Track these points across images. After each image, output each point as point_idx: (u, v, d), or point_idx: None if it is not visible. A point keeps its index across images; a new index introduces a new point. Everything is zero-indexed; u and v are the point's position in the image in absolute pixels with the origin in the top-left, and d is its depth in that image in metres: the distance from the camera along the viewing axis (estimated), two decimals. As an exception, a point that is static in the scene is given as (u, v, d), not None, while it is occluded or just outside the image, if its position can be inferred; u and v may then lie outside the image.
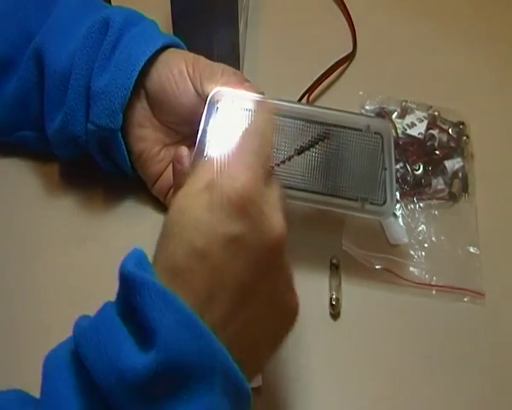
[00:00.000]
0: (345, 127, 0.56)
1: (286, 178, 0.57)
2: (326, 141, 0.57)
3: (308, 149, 0.57)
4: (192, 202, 0.42)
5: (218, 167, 0.42)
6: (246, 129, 0.46)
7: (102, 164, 0.63)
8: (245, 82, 0.59)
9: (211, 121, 0.56)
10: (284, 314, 0.44)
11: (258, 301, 0.42)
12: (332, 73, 0.73)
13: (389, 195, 0.56)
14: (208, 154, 0.54)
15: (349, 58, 0.76)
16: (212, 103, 0.56)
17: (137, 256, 0.41)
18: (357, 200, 0.57)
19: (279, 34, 0.79)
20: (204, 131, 0.56)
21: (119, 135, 0.59)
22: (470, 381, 0.54)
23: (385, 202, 0.56)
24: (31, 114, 0.64)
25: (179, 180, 0.58)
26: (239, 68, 0.72)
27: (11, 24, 0.64)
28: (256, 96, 0.57)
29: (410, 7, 0.83)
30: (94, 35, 0.59)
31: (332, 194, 0.57)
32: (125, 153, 0.61)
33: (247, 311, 0.41)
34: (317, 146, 0.56)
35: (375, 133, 0.56)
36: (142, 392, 0.38)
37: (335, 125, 0.56)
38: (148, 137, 0.61)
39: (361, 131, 0.56)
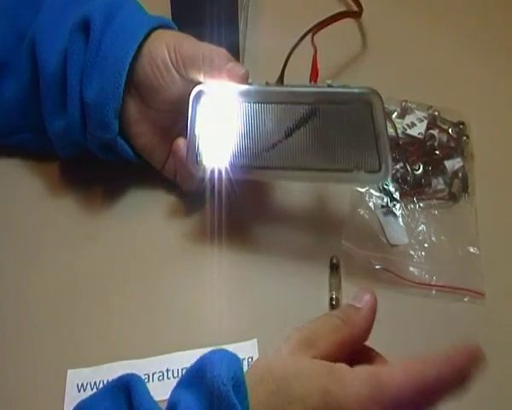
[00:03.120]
0: (332, 102, 0.55)
1: (279, 160, 0.57)
2: (315, 118, 0.56)
3: (297, 129, 0.56)
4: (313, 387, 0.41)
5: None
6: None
7: (108, 159, 0.63)
8: (228, 62, 0.58)
9: (197, 118, 0.56)
10: None
11: None
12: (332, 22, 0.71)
13: (384, 161, 0.55)
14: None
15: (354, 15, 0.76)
16: (195, 100, 0.56)
17: (234, 373, 0.41)
18: (351, 171, 0.56)
19: (279, 34, 0.79)
20: (192, 127, 0.56)
21: (118, 139, 0.60)
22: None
23: (380, 169, 0.56)
24: (29, 117, 0.64)
25: (179, 167, 0.61)
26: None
27: (2, 23, 0.64)
28: (238, 87, 0.56)
29: (411, 7, 0.83)
30: (78, 38, 0.58)
31: (326, 168, 0.57)
32: (129, 151, 0.61)
33: None
34: (306, 125, 0.56)
35: (364, 103, 0.54)
36: None
37: (322, 102, 0.55)
38: (146, 130, 0.61)
39: (349, 104, 0.55)
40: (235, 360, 0.43)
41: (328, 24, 0.70)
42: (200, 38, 0.63)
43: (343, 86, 0.55)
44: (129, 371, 0.48)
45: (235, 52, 0.71)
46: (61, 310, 0.57)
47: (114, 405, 0.42)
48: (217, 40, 0.68)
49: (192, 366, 0.44)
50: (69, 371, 0.53)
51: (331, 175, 0.57)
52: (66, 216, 0.63)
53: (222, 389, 0.40)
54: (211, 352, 0.44)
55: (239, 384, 0.41)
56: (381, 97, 0.54)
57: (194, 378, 0.43)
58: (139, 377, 0.44)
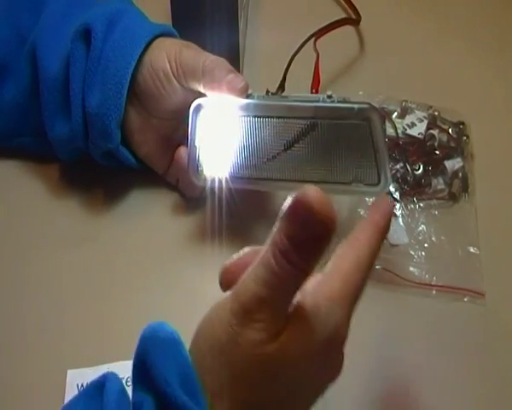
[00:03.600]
0: (331, 117, 0.55)
1: (278, 172, 0.57)
2: (314, 133, 0.56)
3: (296, 143, 0.56)
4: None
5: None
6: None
7: (109, 165, 0.63)
8: (228, 74, 0.57)
9: (197, 130, 0.57)
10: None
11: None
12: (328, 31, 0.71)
13: (383, 175, 0.56)
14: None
15: (354, 22, 0.77)
16: (195, 113, 0.56)
17: (181, 371, 0.38)
18: (350, 183, 0.57)
19: (279, 33, 0.79)
20: (192, 139, 0.57)
21: (120, 148, 0.60)
22: (470, 381, 0.54)
23: (379, 183, 0.56)
24: (29, 121, 0.64)
25: (181, 174, 0.62)
26: (239, 68, 0.72)
27: (3, 27, 0.64)
28: (237, 101, 0.56)
29: (411, 7, 0.83)
30: (79, 46, 0.58)
31: (325, 181, 0.57)
32: (131, 159, 0.62)
33: None
34: (305, 139, 0.56)
35: (363, 119, 0.55)
36: None
37: (322, 117, 0.55)
38: (148, 138, 0.61)
39: (348, 119, 0.55)
40: (178, 354, 0.39)
41: (329, 30, 0.70)
42: (201, 37, 0.64)
43: (343, 99, 0.56)
44: (129, 371, 0.49)
45: (235, 52, 0.71)
46: (61, 310, 0.57)
47: (88, 405, 0.41)
48: (217, 40, 0.68)
49: (135, 360, 0.40)
50: (69, 372, 0.53)
51: (330, 187, 0.57)
52: (67, 217, 0.63)
53: (169, 392, 0.37)
54: (150, 342, 0.40)
55: (187, 380, 0.38)
56: (379, 113, 0.55)
57: (142, 377, 0.39)
58: (114, 375, 0.41)
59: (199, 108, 0.56)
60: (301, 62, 0.65)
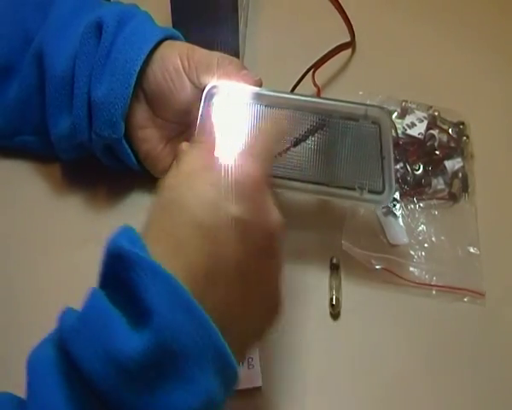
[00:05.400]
0: (342, 117, 0.56)
1: (284, 169, 0.57)
2: (323, 131, 0.56)
3: (305, 140, 0.56)
4: (195, 178, 0.43)
5: (219, 151, 0.45)
6: (256, 127, 0.48)
7: (109, 164, 0.63)
8: (242, 70, 0.59)
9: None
10: (270, 305, 0.45)
11: (249, 285, 0.42)
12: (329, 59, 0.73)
13: (388, 183, 0.56)
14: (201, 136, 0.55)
15: (349, 46, 0.76)
16: (208, 98, 0.56)
17: (130, 234, 0.42)
18: (355, 189, 0.57)
19: (279, 34, 0.79)
20: (201, 126, 0.56)
21: (123, 142, 0.60)
22: (470, 381, 0.54)
23: (383, 190, 0.56)
24: (32, 119, 0.64)
25: None
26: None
27: (9, 26, 0.64)
28: (251, 89, 0.57)
29: (411, 7, 0.83)
30: (90, 40, 0.59)
31: (330, 184, 0.57)
32: (132, 156, 0.61)
33: (239, 294, 0.42)
34: (313, 137, 0.56)
35: (373, 122, 0.55)
36: (137, 375, 0.37)
37: (332, 115, 0.56)
38: (151, 137, 0.61)
39: (358, 120, 0.55)
40: (128, 228, 0.43)
41: (325, 62, 0.71)
42: (201, 38, 0.64)
43: (356, 102, 0.56)
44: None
45: (235, 53, 0.71)
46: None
47: None
48: (217, 40, 0.68)
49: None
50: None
51: (334, 191, 0.57)
52: (69, 217, 0.63)
53: (122, 252, 0.40)
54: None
55: (133, 238, 0.42)
56: (391, 118, 0.54)
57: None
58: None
59: (213, 90, 0.56)
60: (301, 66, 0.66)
